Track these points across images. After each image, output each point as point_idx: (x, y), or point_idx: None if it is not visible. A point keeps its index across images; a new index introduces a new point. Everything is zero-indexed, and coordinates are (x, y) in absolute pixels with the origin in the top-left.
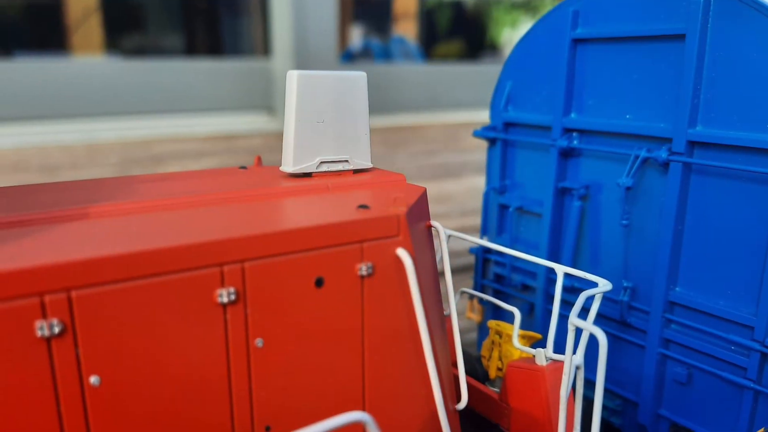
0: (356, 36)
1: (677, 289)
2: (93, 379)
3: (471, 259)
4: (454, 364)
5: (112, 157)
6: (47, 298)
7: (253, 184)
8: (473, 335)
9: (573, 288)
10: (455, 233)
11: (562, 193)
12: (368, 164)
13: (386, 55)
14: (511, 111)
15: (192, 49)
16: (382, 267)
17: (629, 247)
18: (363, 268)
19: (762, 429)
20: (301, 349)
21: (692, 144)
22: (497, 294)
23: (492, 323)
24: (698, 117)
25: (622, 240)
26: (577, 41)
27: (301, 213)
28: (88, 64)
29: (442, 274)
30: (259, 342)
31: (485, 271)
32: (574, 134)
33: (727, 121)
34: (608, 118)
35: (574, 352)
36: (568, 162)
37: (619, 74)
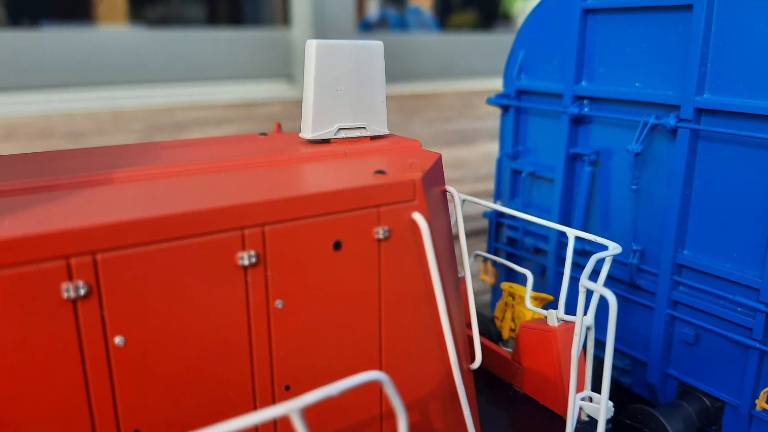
0: (373, 6)
1: (685, 252)
2: (117, 340)
3: (485, 223)
4: (469, 325)
5: (136, 123)
6: (73, 261)
7: (273, 150)
8: (487, 297)
9: (584, 251)
10: (469, 198)
11: (573, 159)
12: (385, 131)
13: (402, 25)
14: (524, 79)
15: (214, 18)
16: (399, 231)
17: (638, 211)
18: (380, 232)
19: (767, 389)
20: (320, 311)
21: (699, 111)
22: (510, 257)
23: (505, 285)
24: (705, 85)
25: (631, 204)
26: (587, 11)
27: (319, 178)
28: (113, 33)
29: (457, 237)
30: (278, 303)
31: (498, 235)
32: (585, 101)
33: (733, 88)
34: (618, 85)
35: (585, 314)
36: (579, 129)
37: (629, 43)
